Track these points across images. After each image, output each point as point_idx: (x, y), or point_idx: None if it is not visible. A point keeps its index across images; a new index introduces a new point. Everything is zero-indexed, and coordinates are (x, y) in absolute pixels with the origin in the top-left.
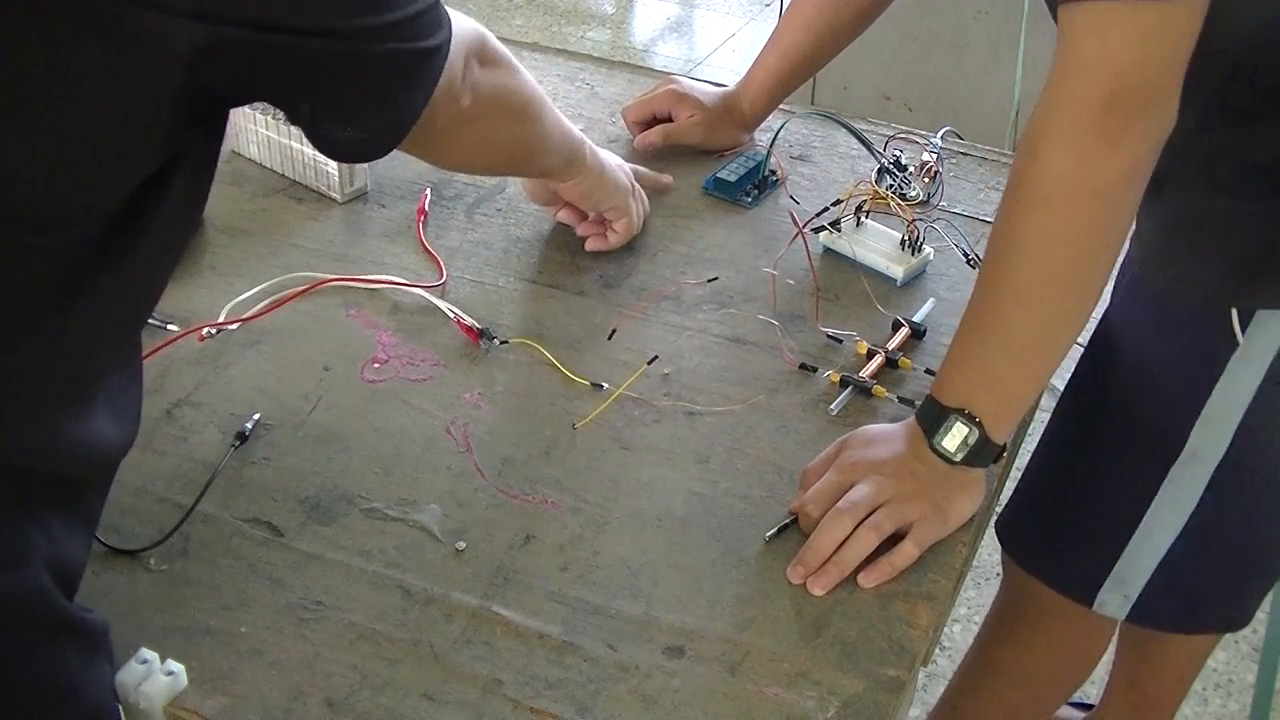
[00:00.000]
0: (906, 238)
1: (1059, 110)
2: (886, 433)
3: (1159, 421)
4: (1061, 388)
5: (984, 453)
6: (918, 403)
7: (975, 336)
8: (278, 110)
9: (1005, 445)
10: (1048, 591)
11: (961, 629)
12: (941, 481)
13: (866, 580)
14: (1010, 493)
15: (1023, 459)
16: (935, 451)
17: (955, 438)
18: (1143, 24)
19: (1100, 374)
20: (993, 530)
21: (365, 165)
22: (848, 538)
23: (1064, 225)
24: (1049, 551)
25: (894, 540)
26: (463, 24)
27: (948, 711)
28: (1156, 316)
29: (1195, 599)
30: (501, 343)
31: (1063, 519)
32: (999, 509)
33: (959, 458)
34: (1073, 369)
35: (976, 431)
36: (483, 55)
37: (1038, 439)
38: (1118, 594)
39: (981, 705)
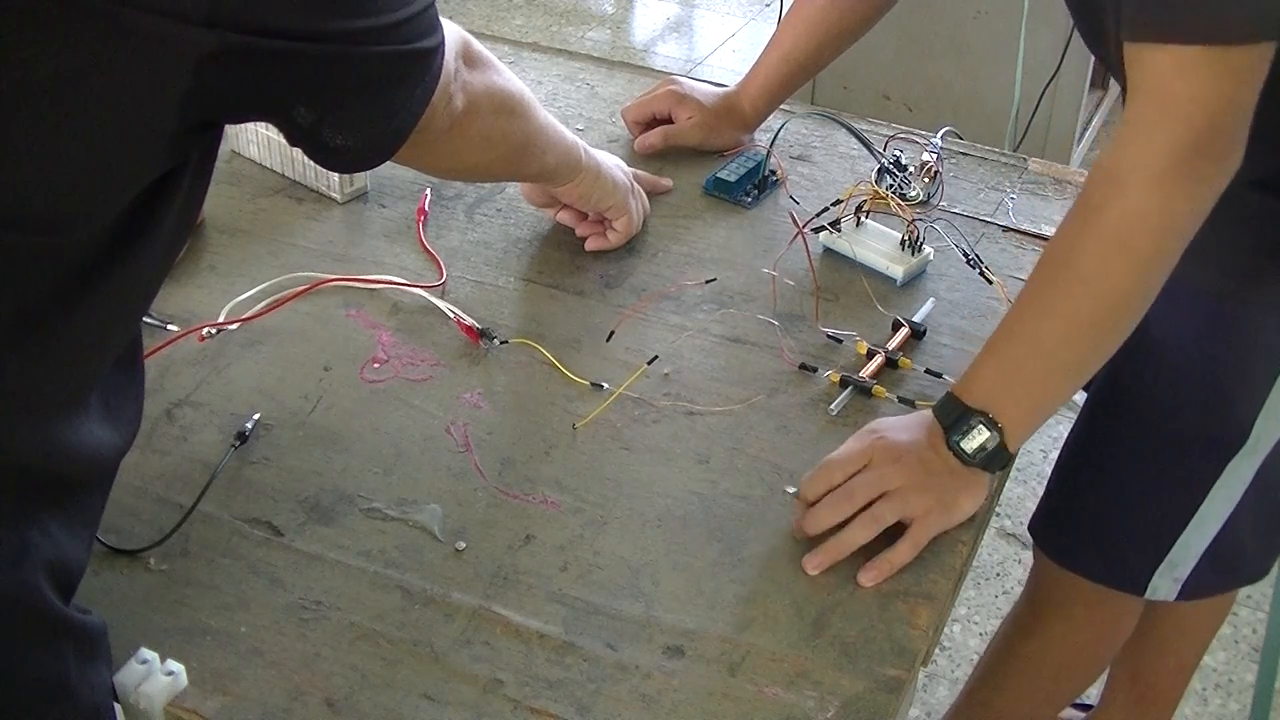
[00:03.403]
0: (906, 238)
1: (1149, 149)
2: (908, 421)
3: (1217, 417)
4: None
5: (998, 458)
6: (918, 403)
7: (1014, 347)
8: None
9: (1015, 453)
10: (1083, 581)
11: (961, 629)
12: (950, 478)
13: (865, 578)
14: (1042, 493)
15: (1028, 458)
16: (951, 449)
17: (974, 440)
18: (1233, 67)
19: (1135, 376)
20: (993, 530)
21: None
22: (848, 522)
23: (1139, 260)
24: (1094, 549)
25: (896, 533)
26: (447, 27)
27: (975, 707)
28: (1203, 318)
29: (1235, 564)
30: (501, 343)
31: (1107, 516)
32: (998, 508)
33: (975, 460)
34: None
35: (996, 437)
36: (468, 57)
37: (1063, 438)
38: (1168, 578)
39: (1011, 698)
